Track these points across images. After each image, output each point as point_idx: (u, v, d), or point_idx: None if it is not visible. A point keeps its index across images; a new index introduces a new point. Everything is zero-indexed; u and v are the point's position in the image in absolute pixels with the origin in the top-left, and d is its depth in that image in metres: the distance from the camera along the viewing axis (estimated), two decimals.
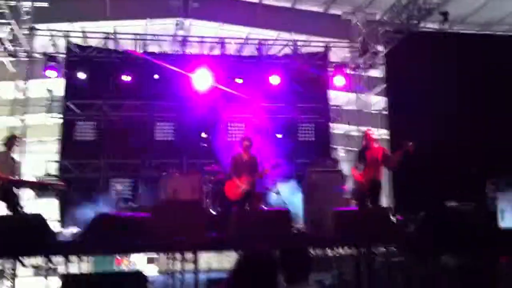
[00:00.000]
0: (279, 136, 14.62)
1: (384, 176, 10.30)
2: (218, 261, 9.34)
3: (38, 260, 6.81)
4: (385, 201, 12.06)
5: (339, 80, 15.49)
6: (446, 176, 11.41)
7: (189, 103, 14.67)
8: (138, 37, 15.25)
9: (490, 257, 6.83)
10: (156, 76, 14.50)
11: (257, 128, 14.53)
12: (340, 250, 7.69)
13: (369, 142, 9.21)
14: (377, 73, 16.53)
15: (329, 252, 7.55)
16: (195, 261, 7.02)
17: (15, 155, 9.52)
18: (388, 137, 13.87)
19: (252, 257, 3.60)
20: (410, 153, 8.58)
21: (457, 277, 6.96)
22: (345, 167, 11.18)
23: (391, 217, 7.86)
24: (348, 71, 16.13)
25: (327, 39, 16.40)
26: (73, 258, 6.85)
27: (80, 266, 7.64)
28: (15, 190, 8.66)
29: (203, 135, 12.38)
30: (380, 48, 15.53)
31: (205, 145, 12.32)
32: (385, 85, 15.07)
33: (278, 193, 10.05)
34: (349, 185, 9.91)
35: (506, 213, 7.47)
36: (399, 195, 12.72)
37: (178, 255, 7.19)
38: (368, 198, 8.91)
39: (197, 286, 6.80)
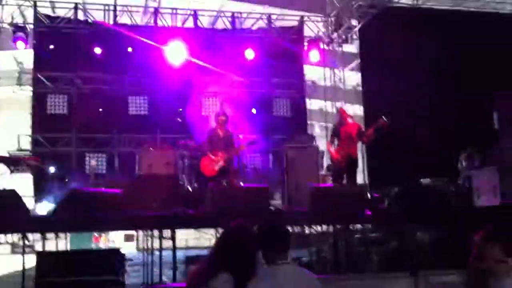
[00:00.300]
0: (254, 111, 14.52)
1: (359, 152, 10.36)
2: (196, 239, 9.33)
3: (14, 238, 6.67)
4: (360, 177, 12.15)
5: (314, 55, 15.45)
6: (420, 153, 11.55)
7: (162, 77, 14.44)
8: (108, 8, 14.86)
9: (464, 233, 6.94)
10: (129, 49, 14.22)
11: (232, 102, 14.43)
12: (318, 227, 7.73)
13: (344, 119, 9.21)
14: (351, 48, 16.52)
15: (306, 229, 7.59)
16: (172, 239, 6.98)
17: None
18: (362, 113, 13.94)
19: (232, 234, 3.63)
20: (385, 128, 8.64)
21: (432, 252, 7.08)
22: (321, 143, 11.21)
23: (367, 194, 7.91)
24: (322, 46, 16.08)
25: (301, 13, 16.28)
26: (50, 235, 6.72)
27: (57, 243, 7.55)
28: None
29: (180, 110, 12.21)
30: (354, 22, 15.51)
31: (180, 119, 12.17)
32: (359, 61, 15.10)
33: (256, 170, 10.03)
34: (325, 161, 9.95)
35: (482, 191, 7.58)
36: (374, 172, 12.85)
37: (155, 233, 7.13)
38: (344, 174, 8.96)
39: (175, 263, 6.77)
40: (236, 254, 3.51)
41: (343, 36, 16.10)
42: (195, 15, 15.39)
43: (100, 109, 14.19)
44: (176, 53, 13.83)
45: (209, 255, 3.66)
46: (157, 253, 7.07)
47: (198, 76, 14.79)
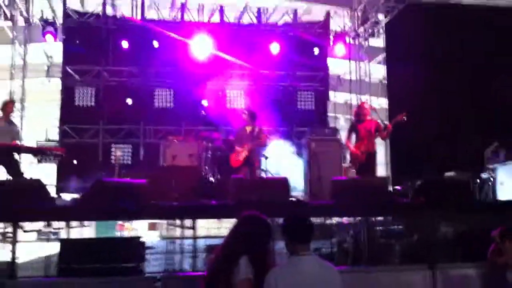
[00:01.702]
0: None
1: (382, 146, 10.32)
2: (217, 228, 9.40)
3: (39, 225, 6.83)
4: (383, 171, 12.08)
5: (339, 49, 15.41)
6: (444, 147, 11.42)
7: (188, 71, 14.58)
8: (136, 3, 15.04)
9: (487, 227, 6.86)
10: (155, 44, 14.39)
11: (257, 96, 14.51)
12: (339, 219, 7.73)
13: (364, 115, 9.19)
14: (378, 42, 16.40)
15: (328, 220, 7.60)
16: (193, 228, 7.06)
17: (14, 120, 9.49)
18: (387, 107, 13.85)
19: (246, 221, 3.69)
20: (402, 123, 8.60)
21: (454, 246, 7.02)
22: (345, 136, 11.16)
23: (389, 186, 7.87)
24: (348, 40, 16.01)
25: (327, 7, 16.23)
26: (75, 223, 6.87)
27: (82, 231, 7.69)
28: (15, 155, 8.66)
29: (204, 102, 12.30)
30: (381, 17, 15.39)
31: (204, 112, 12.28)
32: (385, 54, 14.99)
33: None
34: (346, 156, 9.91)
35: (507, 185, 7.49)
36: (397, 165, 12.75)
37: (178, 222, 7.22)
38: (364, 169, 8.93)
39: (195, 251, 6.86)
40: (250, 240, 3.57)
41: (369, 30, 16.01)
42: (221, 10, 15.49)
43: (129, 100, 14.42)
44: (201, 47, 13.95)
45: (225, 243, 3.72)
46: (178, 241, 7.15)
47: (223, 69, 14.86)
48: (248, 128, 9.33)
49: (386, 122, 9.52)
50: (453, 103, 12.30)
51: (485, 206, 7.31)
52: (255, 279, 3.47)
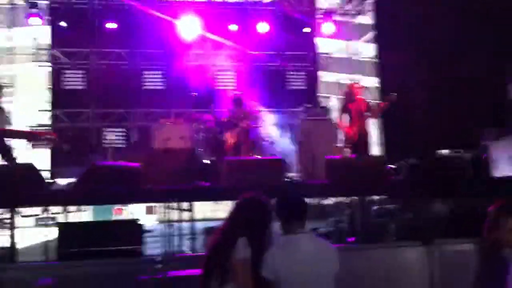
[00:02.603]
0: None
1: (374, 126, 10.34)
2: (213, 211, 9.44)
3: (37, 211, 6.82)
4: (375, 150, 12.13)
5: (328, 27, 15.35)
6: (436, 125, 11.46)
7: (176, 51, 14.49)
8: None
9: (481, 205, 6.93)
10: (143, 25, 14.23)
11: (246, 76, 14.47)
12: (334, 199, 7.78)
13: (353, 95, 9.20)
14: (366, 19, 16.36)
15: (324, 200, 7.65)
16: (190, 210, 7.08)
17: (4, 105, 9.37)
18: (378, 85, 13.86)
19: (245, 204, 3.71)
20: (393, 103, 8.63)
21: (448, 223, 7.11)
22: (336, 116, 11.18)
23: (384, 165, 7.90)
24: (337, 17, 15.96)
25: None
26: (72, 208, 6.85)
27: (79, 216, 7.67)
28: (7, 140, 8.57)
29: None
30: None
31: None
32: (374, 32, 14.95)
33: (272, 143, 10.03)
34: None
35: (500, 162, 7.56)
36: (389, 144, 12.81)
37: (175, 205, 7.23)
38: (357, 148, 8.98)
39: (194, 234, 6.89)
40: (250, 222, 3.60)
41: (357, 8, 15.96)
42: None
43: (116, 84, 14.34)
44: (189, 27, 13.82)
45: (224, 225, 3.74)
46: (176, 224, 7.17)
47: (212, 50, 14.79)
48: (237, 111, 9.36)
49: (377, 102, 9.54)
50: (445, 81, 12.30)
51: (479, 183, 7.37)
52: (253, 259, 3.50)
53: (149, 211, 11.55)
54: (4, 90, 9.55)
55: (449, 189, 7.06)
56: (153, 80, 15.10)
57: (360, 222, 7.36)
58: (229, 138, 9.19)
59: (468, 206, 6.91)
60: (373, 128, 9.98)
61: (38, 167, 6.96)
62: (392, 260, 6.17)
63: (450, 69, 12.45)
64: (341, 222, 8.04)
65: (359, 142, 8.92)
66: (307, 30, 15.61)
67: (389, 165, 8.36)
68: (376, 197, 8.07)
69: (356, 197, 7.56)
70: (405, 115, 10.94)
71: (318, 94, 16.08)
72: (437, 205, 7.39)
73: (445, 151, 9.12)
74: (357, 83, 10.53)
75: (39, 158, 11.28)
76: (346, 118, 9.14)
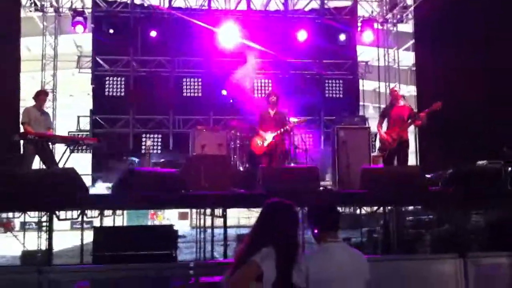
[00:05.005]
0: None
1: (411, 134, 10.18)
2: (247, 218, 9.46)
3: (74, 214, 6.97)
4: (412, 159, 11.97)
5: (367, 35, 15.30)
6: (475, 135, 11.22)
7: (216, 59, 14.65)
8: None
9: None
10: (183, 33, 14.41)
11: (284, 84, 14.50)
12: (368, 208, 7.70)
13: (396, 100, 9.05)
14: (407, 27, 16.20)
15: (358, 210, 7.57)
16: (224, 217, 7.13)
17: (47, 110, 9.66)
18: (415, 94, 13.69)
19: (270, 211, 3.68)
20: (436, 111, 8.45)
21: (486, 235, 6.96)
22: (374, 124, 11.09)
23: (421, 175, 7.77)
24: (376, 26, 15.87)
25: None
26: (108, 212, 6.98)
27: (114, 220, 7.80)
28: (49, 145, 8.82)
29: (224, 92, 12.32)
30: (409, 1, 15.18)
31: (232, 101, 12.32)
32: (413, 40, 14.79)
33: (307, 151, 9.98)
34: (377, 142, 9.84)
35: None
36: (426, 154, 12.58)
37: (208, 211, 7.30)
38: (395, 156, 8.85)
39: (226, 240, 6.93)
40: (276, 230, 3.55)
41: (398, 16, 15.82)
42: None
43: (156, 91, 14.57)
44: (229, 35, 13.96)
45: (251, 231, 3.72)
46: (209, 230, 7.23)
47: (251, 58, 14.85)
48: (272, 112, 9.31)
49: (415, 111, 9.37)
50: (484, 90, 12.04)
51: None
52: (279, 267, 3.45)
53: (182, 216, 11.68)
54: (47, 96, 9.87)
55: (487, 201, 6.91)
56: (192, 87, 15.28)
57: (394, 233, 7.27)
58: (264, 138, 9.11)
59: (506, 218, 6.76)
60: (411, 136, 9.80)
61: (79, 172, 7.12)
62: (426, 272, 6.06)
63: (489, 78, 12.19)
64: (374, 232, 7.95)
65: (398, 149, 8.77)
66: (342, 37, 15.50)
67: (426, 175, 8.23)
68: (411, 208, 7.96)
69: (391, 207, 7.47)
70: (442, 124, 10.73)
71: (358, 103, 15.98)
72: (474, 216, 7.24)
73: (483, 162, 8.92)
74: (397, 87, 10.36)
75: (82, 163, 11.54)
76: (385, 123, 9.02)
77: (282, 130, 9.11)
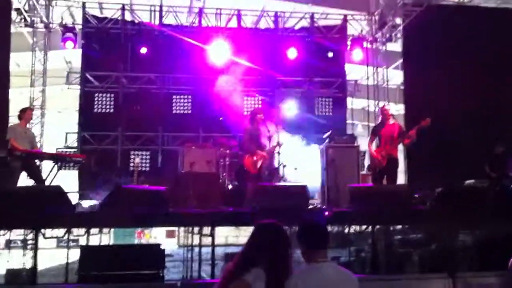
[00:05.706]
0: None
1: (400, 153, 10.20)
2: (235, 236, 9.40)
3: (59, 232, 6.90)
4: (401, 178, 12.01)
5: (357, 54, 15.38)
6: (463, 154, 11.29)
7: (206, 76, 14.66)
8: (154, 8, 15.16)
9: (507, 235, 6.81)
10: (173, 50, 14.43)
11: (272, 102, 14.55)
12: (357, 227, 7.69)
13: (385, 119, 9.12)
14: (396, 46, 16.31)
15: (346, 228, 7.56)
16: (212, 235, 7.09)
17: (33, 127, 9.61)
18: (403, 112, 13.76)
19: (262, 231, 3.67)
20: (425, 128, 8.49)
21: (474, 254, 6.96)
22: (364, 143, 11.11)
23: (409, 194, 7.79)
24: (366, 44, 15.98)
25: (345, 12, 16.19)
26: (94, 230, 6.92)
27: (101, 238, 7.73)
28: (35, 162, 8.76)
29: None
30: (398, 21, 15.30)
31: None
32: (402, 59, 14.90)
33: (295, 169, 9.98)
34: (366, 161, 9.87)
35: None
36: (415, 172, 12.62)
37: (196, 229, 7.25)
38: (384, 174, 8.88)
39: (213, 259, 6.88)
40: (267, 251, 3.55)
41: (387, 35, 15.92)
42: (238, 15, 15.52)
43: (145, 108, 14.51)
44: (219, 52, 14.00)
45: (242, 251, 3.71)
46: (196, 249, 7.18)
47: (240, 75, 14.87)
48: (260, 129, 9.31)
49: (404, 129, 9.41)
50: (473, 109, 12.15)
51: (505, 213, 7.21)
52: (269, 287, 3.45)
53: (170, 234, 11.61)
54: (31, 112, 9.81)
55: (475, 220, 6.93)
56: (182, 104, 15.25)
57: (383, 252, 7.26)
58: (260, 157, 9.11)
59: (493, 237, 6.77)
60: (400, 155, 9.83)
61: (66, 190, 7.07)
62: None
63: (479, 97, 12.32)
64: (362, 251, 7.93)
65: (387, 167, 8.80)
66: (330, 55, 15.59)
67: (414, 194, 8.26)
68: (399, 226, 7.96)
69: (379, 226, 7.47)
70: (431, 142, 10.78)
71: (346, 122, 16.03)
72: (461, 235, 7.25)
73: (471, 181, 8.97)
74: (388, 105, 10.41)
75: (68, 180, 11.44)
76: (376, 141, 9.06)
77: (277, 146, 9.14)
